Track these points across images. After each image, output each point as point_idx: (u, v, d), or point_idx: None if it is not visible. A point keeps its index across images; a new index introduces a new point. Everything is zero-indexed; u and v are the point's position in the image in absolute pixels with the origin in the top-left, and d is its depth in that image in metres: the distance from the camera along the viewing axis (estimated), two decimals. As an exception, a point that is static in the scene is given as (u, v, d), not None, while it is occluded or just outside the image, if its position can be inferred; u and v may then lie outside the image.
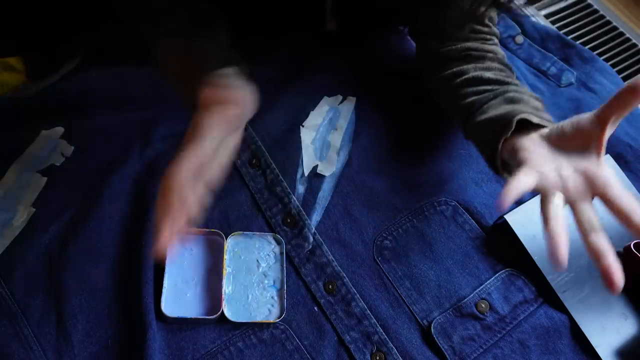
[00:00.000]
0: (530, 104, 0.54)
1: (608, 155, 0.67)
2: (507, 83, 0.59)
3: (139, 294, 0.53)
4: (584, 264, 0.61)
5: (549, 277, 0.59)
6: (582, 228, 0.44)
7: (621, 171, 0.67)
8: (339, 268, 0.58)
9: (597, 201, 0.46)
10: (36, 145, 0.61)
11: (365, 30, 0.77)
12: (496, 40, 0.64)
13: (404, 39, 0.79)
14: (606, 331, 0.58)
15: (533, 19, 0.91)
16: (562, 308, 0.59)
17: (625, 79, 0.89)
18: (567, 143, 0.48)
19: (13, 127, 0.62)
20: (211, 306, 0.54)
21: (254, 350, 0.53)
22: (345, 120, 0.68)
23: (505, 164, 0.54)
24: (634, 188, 0.67)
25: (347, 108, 0.69)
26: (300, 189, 0.62)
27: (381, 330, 0.55)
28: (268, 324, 0.54)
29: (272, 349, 0.53)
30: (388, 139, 0.68)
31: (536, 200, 0.63)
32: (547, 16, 0.97)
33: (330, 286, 0.57)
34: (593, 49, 0.91)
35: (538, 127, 0.52)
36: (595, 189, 0.45)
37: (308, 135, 0.66)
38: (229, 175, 0.62)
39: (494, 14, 0.63)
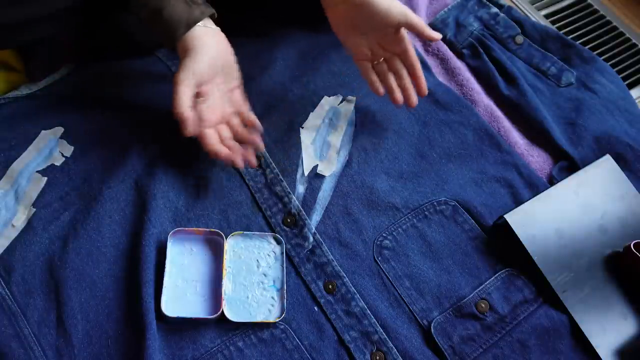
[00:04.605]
0: None
1: (608, 156, 0.68)
2: None
3: (139, 294, 0.53)
4: (584, 264, 0.61)
5: (549, 277, 0.59)
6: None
7: (621, 171, 0.67)
8: (338, 268, 0.58)
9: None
10: (36, 145, 0.61)
11: None
12: None
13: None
14: (606, 331, 0.58)
15: (533, 19, 0.91)
16: (562, 308, 0.59)
17: (625, 79, 0.88)
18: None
19: (13, 127, 0.62)
20: (211, 306, 0.55)
21: (254, 349, 0.53)
22: (345, 120, 0.68)
23: None
24: (633, 188, 0.67)
25: (347, 108, 0.69)
26: (300, 188, 0.62)
27: (381, 330, 0.55)
28: (268, 324, 0.54)
29: (272, 348, 0.54)
30: (388, 139, 0.68)
31: (536, 200, 0.63)
32: (547, 16, 0.97)
33: (330, 286, 0.57)
34: (593, 49, 0.91)
35: None
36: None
37: (308, 135, 0.66)
38: (228, 174, 0.63)
39: None
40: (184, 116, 0.54)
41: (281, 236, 0.59)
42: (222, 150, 0.57)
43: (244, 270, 0.57)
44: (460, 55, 0.81)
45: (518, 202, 0.65)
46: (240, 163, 0.58)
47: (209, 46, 0.56)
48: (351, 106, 0.70)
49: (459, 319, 0.57)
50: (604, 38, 0.95)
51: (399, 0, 0.59)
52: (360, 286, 0.58)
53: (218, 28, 0.59)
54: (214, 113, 0.58)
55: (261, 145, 0.60)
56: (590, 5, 0.99)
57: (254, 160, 0.60)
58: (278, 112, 0.67)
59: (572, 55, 0.80)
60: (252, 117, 0.61)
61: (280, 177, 0.63)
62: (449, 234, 0.62)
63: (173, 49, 0.57)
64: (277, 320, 0.54)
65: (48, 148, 0.61)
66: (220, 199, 0.61)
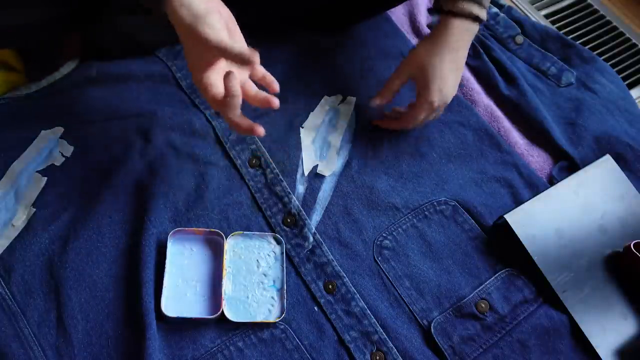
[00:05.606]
0: None
1: (608, 156, 0.67)
2: None
3: (139, 294, 0.53)
4: (584, 264, 0.61)
5: (549, 277, 0.59)
6: None
7: (621, 171, 0.67)
8: (338, 268, 0.58)
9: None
10: (36, 145, 0.61)
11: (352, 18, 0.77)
12: None
13: (403, 38, 0.79)
14: (606, 331, 0.58)
15: (533, 19, 0.91)
16: (562, 308, 0.59)
17: (625, 79, 0.88)
18: None
19: (13, 127, 0.62)
20: (211, 306, 0.55)
21: (254, 349, 0.53)
22: (345, 120, 0.68)
23: None
24: (633, 188, 0.67)
25: (347, 108, 0.69)
26: (300, 188, 0.62)
27: (381, 330, 0.55)
28: (268, 324, 0.54)
29: (272, 348, 0.53)
30: (388, 139, 0.68)
31: (536, 200, 0.63)
32: (547, 16, 0.97)
33: (330, 286, 0.57)
34: (593, 49, 0.91)
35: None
36: None
37: (308, 135, 0.66)
38: (228, 174, 0.63)
39: None
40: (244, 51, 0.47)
41: (281, 236, 0.59)
42: (244, 123, 0.51)
43: (244, 270, 0.57)
44: (460, 55, 0.81)
45: (518, 202, 0.65)
46: (260, 131, 0.51)
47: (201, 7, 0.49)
48: (351, 106, 0.70)
49: (459, 319, 0.57)
50: (604, 38, 0.95)
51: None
52: (360, 286, 0.58)
53: None
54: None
55: (276, 102, 0.51)
56: (590, 5, 0.99)
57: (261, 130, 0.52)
58: (278, 112, 0.67)
59: (572, 55, 0.80)
60: (268, 76, 0.53)
61: (280, 177, 0.63)
62: (449, 234, 0.62)
63: (168, 25, 0.51)
64: (277, 320, 0.54)
65: (48, 148, 0.61)
66: (220, 199, 0.61)
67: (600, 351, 0.57)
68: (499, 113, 0.75)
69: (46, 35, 0.61)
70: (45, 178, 0.60)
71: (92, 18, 0.62)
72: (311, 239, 0.59)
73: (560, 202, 0.64)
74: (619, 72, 0.89)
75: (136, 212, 0.58)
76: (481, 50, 0.79)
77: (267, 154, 0.64)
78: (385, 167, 0.66)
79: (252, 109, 0.67)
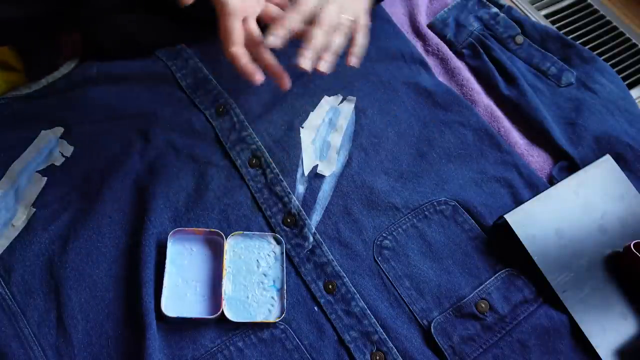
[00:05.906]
0: None
1: (608, 156, 0.67)
2: None
3: (139, 294, 0.53)
4: (584, 264, 0.61)
5: (549, 277, 0.59)
6: None
7: (621, 171, 0.67)
8: (338, 268, 0.58)
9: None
10: (36, 145, 0.61)
11: None
12: None
13: (403, 39, 0.79)
14: (606, 331, 0.58)
15: (533, 19, 0.91)
16: (562, 308, 0.59)
17: (625, 79, 0.88)
18: None
19: (13, 127, 0.63)
20: (211, 306, 0.55)
21: (254, 349, 0.53)
22: (345, 120, 0.68)
23: None
24: (633, 188, 0.67)
25: (347, 108, 0.69)
26: (300, 188, 0.62)
27: (381, 330, 0.55)
28: (268, 324, 0.54)
29: (272, 348, 0.54)
30: (388, 139, 0.68)
31: (536, 200, 0.63)
32: (547, 16, 0.97)
33: (330, 286, 0.57)
34: (593, 49, 0.91)
35: None
36: None
37: (308, 135, 0.66)
38: (228, 174, 0.63)
39: None
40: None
41: (281, 236, 0.59)
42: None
43: (244, 270, 0.57)
44: (460, 55, 0.81)
45: (518, 202, 0.65)
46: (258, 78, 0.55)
47: None
48: (351, 106, 0.70)
49: (459, 319, 0.57)
50: (604, 38, 0.95)
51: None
52: (360, 286, 0.58)
53: None
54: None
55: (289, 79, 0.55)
56: (590, 5, 0.99)
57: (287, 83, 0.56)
58: (278, 112, 0.67)
59: (572, 55, 0.80)
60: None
61: (280, 177, 0.63)
62: (449, 234, 0.62)
63: None
64: (277, 320, 0.54)
65: (48, 148, 0.61)
66: (220, 199, 0.61)
67: (600, 351, 0.57)
68: (499, 113, 0.75)
69: (34, 33, 0.61)
70: (45, 178, 0.60)
71: (77, 18, 0.62)
72: (311, 239, 0.59)
73: (560, 202, 0.64)
74: (619, 72, 0.89)
75: (136, 212, 0.58)
76: (481, 50, 0.79)
77: (267, 154, 0.64)
78: (385, 167, 0.66)
79: (252, 107, 0.68)
